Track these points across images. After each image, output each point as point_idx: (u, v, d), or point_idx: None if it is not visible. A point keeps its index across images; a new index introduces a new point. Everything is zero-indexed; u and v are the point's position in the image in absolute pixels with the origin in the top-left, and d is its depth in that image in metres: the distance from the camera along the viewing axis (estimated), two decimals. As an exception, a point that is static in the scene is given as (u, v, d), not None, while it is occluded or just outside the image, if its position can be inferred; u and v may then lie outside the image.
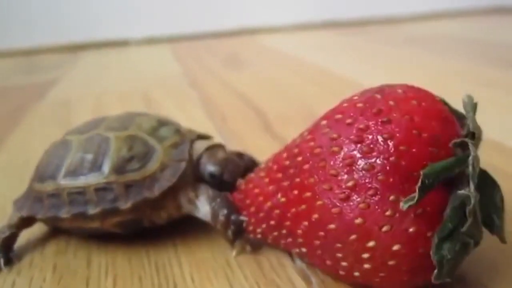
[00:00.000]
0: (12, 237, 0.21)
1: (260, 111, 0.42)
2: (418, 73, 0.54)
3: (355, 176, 0.15)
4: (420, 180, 0.14)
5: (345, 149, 0.15)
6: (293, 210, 0.17)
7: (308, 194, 0.16)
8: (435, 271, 0.14)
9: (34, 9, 0.92)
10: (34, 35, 0.93)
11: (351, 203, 0.15)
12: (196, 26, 1.01)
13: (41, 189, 0.21)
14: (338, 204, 0.15)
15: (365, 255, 0.15)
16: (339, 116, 0.16)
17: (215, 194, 0.20)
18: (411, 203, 0.13)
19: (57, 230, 0.23)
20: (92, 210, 0.20)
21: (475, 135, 0.15)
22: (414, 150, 0.14)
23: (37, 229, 0.23)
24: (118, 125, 0.22)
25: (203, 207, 0.20)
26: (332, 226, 0.15)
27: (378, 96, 0.16)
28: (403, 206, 0.14)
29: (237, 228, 0.20)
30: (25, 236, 0.23)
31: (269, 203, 0.18)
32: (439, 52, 0.66)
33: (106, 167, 0.20)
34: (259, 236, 0.19)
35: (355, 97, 0.17)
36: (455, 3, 1.12)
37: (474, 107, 0.16)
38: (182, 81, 0.58)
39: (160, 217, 0.21)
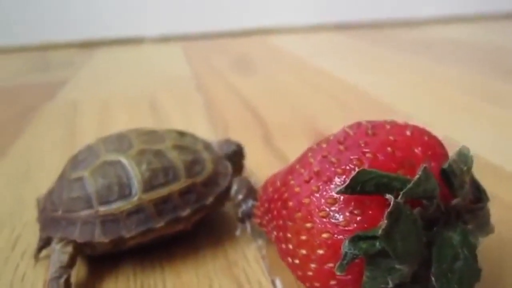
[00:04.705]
0: (69, 280, 0.20)
1: (263, 121, 0.42)
2: (432, 84, 0.53)
3: (322, 164, 0.16)
4: (356, 172, 0.14)
5: (329, 146, 0.17)
6: (277, 193, 0.19)
7: (290, 177, 0.18)
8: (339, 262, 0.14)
9: (49, 5, 0.93)
10: (48, 31, 0.94)
11: (308, 185, 0.16)
12: (209, 25, 1.01)
13: (113, 210, 0.20)
14: (301, 184, 0.17)
15: (303, 237, 0.16)
16: (347, 126, 0.18)
17: (246, 181, 0.24)
18: (340, 188, 0.14)
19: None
20: (183, 213, 0.21)
21: (448, 172, 0.15)
22: (379, 160, 0.15)
23: (32, 245, 0.24)
24: (152, 139, 0.23)
25: (234, 186, 0.24)
26: (290, 203, 0.17)
27: (387, 125, 0.17)
28: (335, 189, 0.15)
29: (247, 210, 0.23)
30: (20, 251, 0.23)
31: (271, 188, 0.20)
32: (446, 59, 0.65)
33: (180, 174, 0.22)
34: (259, 222, 0.21)
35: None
36: (469, 8, 1.09)
37: (467, 159, 0.16)
38: (190, 84, 0.58)
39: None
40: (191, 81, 0.60)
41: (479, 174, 0.18)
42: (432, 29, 0.97)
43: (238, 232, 0.23)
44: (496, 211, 0.19)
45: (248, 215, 0.23)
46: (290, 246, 0.17)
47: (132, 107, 0.49)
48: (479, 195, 0.17)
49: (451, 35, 0.89)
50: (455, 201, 0.16)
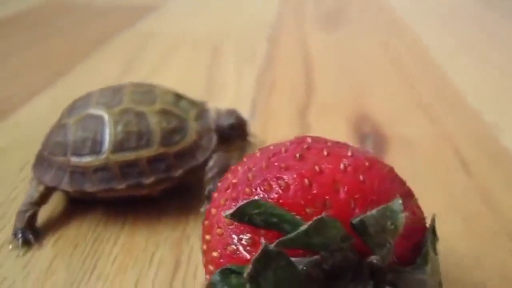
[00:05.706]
0: (35, 215, 0.22)
1: (311, 90, 0.40)
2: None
3: (242, 177, 0.16)
4: (245, 202, 0.13)
5: (261, 157, 0.16)
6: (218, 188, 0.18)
7: (226, 176, 0.17)
8: None
9: None
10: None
11: (223, 195, 0.16)
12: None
13: (83, 164, 0.22)
14: (220, 191, 0.16)
15: (204, 246, 0.16)
16: (294, 139, 0.17)
17: (223, 158, 0.24)
18: (228, 212, 0.14)
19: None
20: (147, 180, 0.22)
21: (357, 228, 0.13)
22: (289, 191, 0.14)
23: None
24: (144, 99, 0.23)
25: (210, 161, 0.24)
26: (208, 206, 0.17)
27: (327, 150, 0.15)
28: (224, 212, 0.14)
29: (213, 189, 0.22)
30: (22, 176, 0.26)
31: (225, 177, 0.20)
32: None
33: (154, 141, 0.22)
34: None
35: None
36: None
37: (396, 217, 0.14)
38: (264, 33, 0.56)
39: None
40: (268, 29, 0.58)
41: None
42: None
43: (202, 209, 0.23)
44: None
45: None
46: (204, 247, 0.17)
47: (196, 51, 0.49)
48: (418, 257, 0.15)
49: None
50: (370, 258, 0.14)
